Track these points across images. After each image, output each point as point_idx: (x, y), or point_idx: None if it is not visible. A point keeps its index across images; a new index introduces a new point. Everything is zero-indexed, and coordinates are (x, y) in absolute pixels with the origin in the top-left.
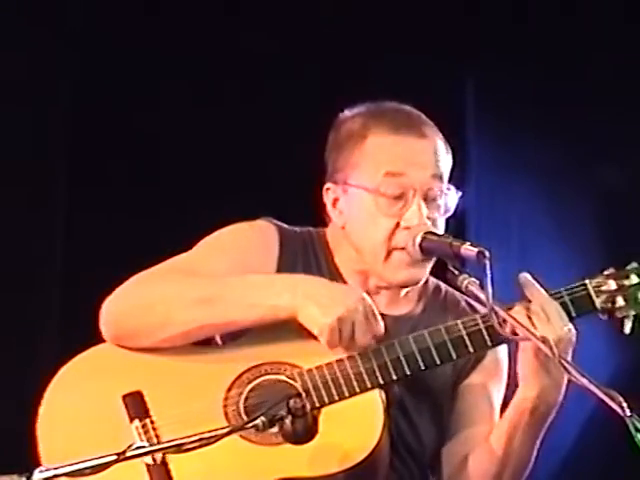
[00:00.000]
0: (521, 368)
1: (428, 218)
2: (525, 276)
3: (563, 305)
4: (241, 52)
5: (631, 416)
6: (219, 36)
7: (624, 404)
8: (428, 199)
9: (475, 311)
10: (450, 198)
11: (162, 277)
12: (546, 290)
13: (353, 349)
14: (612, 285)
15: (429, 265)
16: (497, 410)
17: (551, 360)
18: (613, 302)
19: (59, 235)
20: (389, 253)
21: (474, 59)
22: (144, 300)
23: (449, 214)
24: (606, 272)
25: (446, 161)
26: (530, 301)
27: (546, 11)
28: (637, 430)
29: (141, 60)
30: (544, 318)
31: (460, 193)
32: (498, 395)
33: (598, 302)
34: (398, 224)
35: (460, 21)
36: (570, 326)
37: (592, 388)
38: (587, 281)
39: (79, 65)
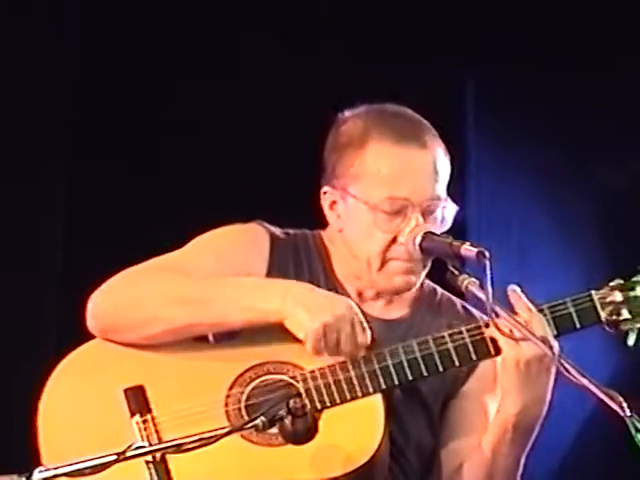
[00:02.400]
0: (502, 382)
1: None
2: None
3: (568, 316)
4: (241, 54)
5: (631, 416)
6: (219, 36)
7: (624, 404)
8: (426, 213)
9: (471, 314)
10: (447, 211)
11: (152, 275)
12: (549, 302)
13: (338, 357)
14: (618, 297)
15: (424, 272)
16: (492, 417)
17: (532, 374)
18: (618, 314)
19: (59, 235)
20: (384, 263)
21: (474, 59)
22: (133, 297)
23: (446, 227)
24: (612, 283)
25: (445, 172)
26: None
27: (546, 12)
28: (637, 430)
29: (141, 59)
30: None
31: (457, 208)
32: (494, 401)
33: (603, 314)
34: (395, 238)
35: (460, 22)
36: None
37: (592, 388)
38: (593, 292)
39: (79, 65)
